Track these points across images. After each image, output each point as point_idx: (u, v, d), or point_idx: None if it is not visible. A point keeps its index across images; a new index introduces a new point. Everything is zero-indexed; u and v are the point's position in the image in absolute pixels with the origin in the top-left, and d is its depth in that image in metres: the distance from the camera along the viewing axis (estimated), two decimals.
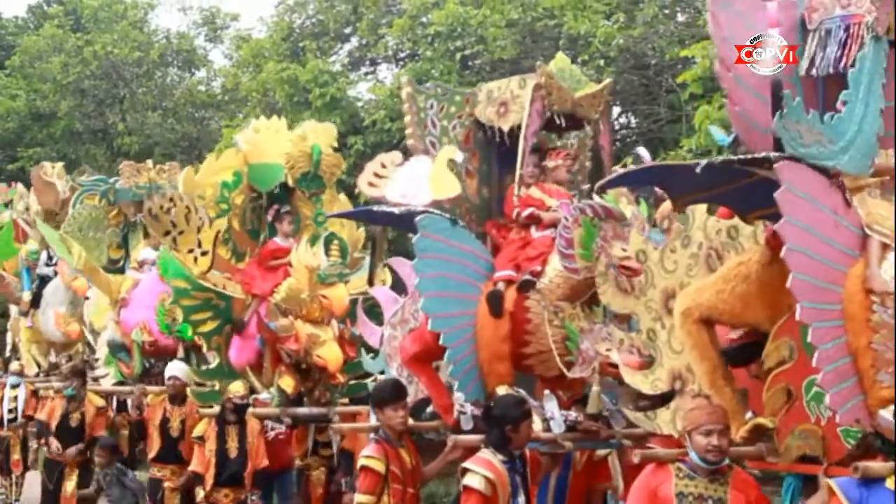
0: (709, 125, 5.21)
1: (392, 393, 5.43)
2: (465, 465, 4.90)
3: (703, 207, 4.48)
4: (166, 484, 8.11)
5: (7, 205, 12.31)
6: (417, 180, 5.47)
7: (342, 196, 8.31)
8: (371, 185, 5.61)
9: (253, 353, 7.57)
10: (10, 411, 10.67)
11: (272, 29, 16.19)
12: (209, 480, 7.42)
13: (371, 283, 6.91)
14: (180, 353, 8.50)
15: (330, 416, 7.33)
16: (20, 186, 12.37)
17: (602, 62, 11.51)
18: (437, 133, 5.83)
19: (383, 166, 5.65)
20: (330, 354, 7.01)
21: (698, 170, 3.66)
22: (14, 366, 11.02)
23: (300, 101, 14.09)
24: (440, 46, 13.14)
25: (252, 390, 7.57)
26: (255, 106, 15.41)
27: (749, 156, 3.70)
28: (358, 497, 5.27)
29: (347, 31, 15.58)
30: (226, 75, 17.97)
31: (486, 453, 4.89)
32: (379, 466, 5.26)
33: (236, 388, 7.48)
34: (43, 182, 11.03)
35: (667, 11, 12.47)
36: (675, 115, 11.87)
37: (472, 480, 4.80)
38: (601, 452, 5.67)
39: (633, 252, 4.59)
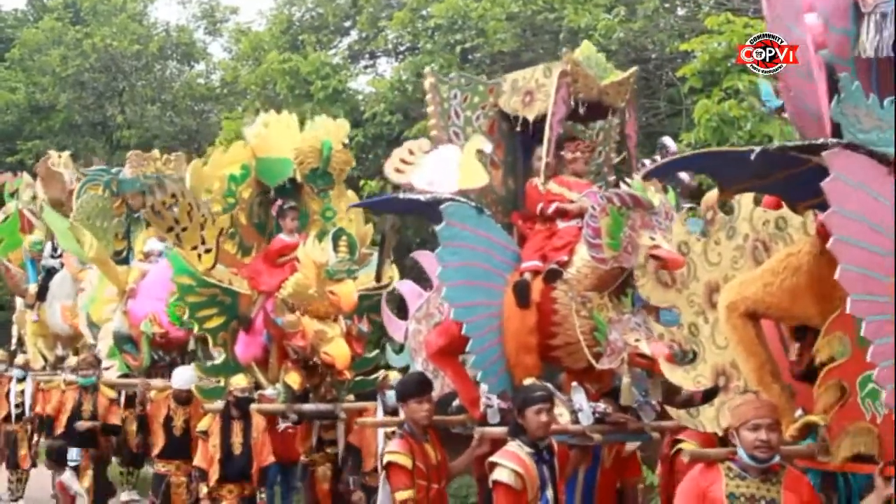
0: (760, 84, 4.97)
1: (417, 387, 5.23)
2: (493, 459, 4.73)
3: (749, 197, 4.24)
4: (171, 479, 7.87)
5: (13, 195, 11.93)
6: (445, 168, 5.23)
7: (350, 192, 8.06)
8: (398, 171, 5.37)
9: (259, 349, 7.31)
10: (17, 406, 10.33)
11: (271, 22, 15.93)
12: (213, 476, 7.16)
13: (379, 278, 6.73)
14: (191, 345, 8.24)
15: (336, 412, 7.14)
16: (26, 176, 11.97)
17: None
18: (461, 123, 5.59)
19: (411, 153, 5.42)
20: (337, 351, 6.77)
21: (752, 157, 3.42)
22: (19, 359, 10.65)
23: (301, 94, 13.87)
24: (440, 39, 12.95)
25: (258, 386, 7.32)
26: (254, 99, 15.17)
27: (805, 142, 3.47)
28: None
29: (347, 24, 15.33)
30: (225, 68, 17.73)
31: (512, 446, 4.72)
32: (405, 461, 5.07)
33: (237, 381, 7.25)
34: (50, 172, 10.68)
35: (667, 5, 12.31)
36: (674, 110, 11.69)
37: (500, 475, 4.64)
38: (629, 447, 5.45)
39: (676, 243, 4.36)
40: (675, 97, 11.44)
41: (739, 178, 3.82)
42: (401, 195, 5.37)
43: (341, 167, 7.45)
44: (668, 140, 5.51)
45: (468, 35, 12.75)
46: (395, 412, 7.16)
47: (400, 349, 6.29)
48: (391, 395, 7.07)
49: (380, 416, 7.11)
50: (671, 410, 4.40)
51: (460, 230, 5.06)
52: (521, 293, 5.12)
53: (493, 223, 5.31)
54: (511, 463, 4.61)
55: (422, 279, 7.22)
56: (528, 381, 5.06)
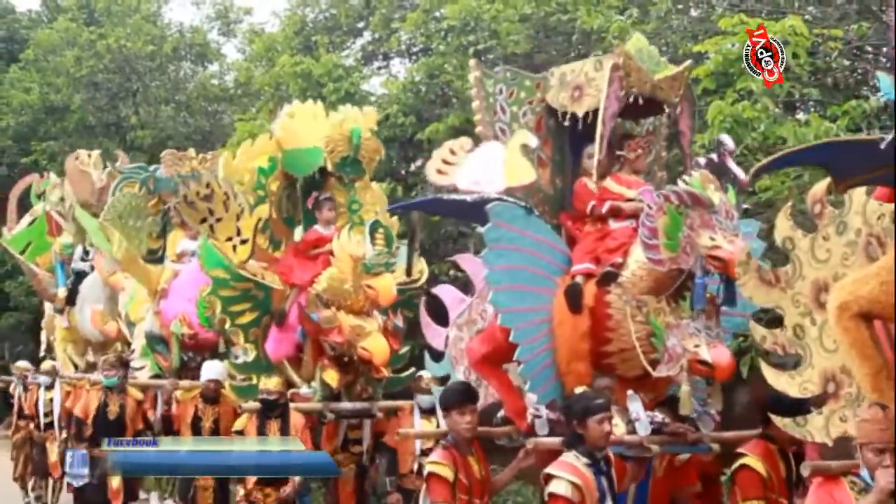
0: (879, 75, 4.53)
1: (459, 396, 4.76)
2: (549, 470, 4.30)
3: (861, 190, 3.78)
4: (199, 482, 7.38)
5: (40, 196, 11.33)
6: (490, 166, 4.77)
7: (375, 185, 7.61)
8: (440, 172, 4.90)
9: (291, 346, 6.87)
10: (46, 414, 9.74)
11: (285, 23, 15.56)
12: (250, 479, 6.66)
13: (409, 273, 6.31)
14: (221, 346, 7.78)
15: (372, 410, 6.71)
16: (53, 176, 11.31)
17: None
18: (507, 119, 5.11)
19: (452, 153, 4.95)
20: (376, 347, 6.36)
21: (883, 146, 3.00)
22: (45, 365, 10.02)
23: (313, 96, 13.45)
24: (453, 41, 12.62)
25: (290, 384, 6.86)
26: (267, 100, 14.78)
27: None
28: None
29: (360, 25, 14.95)
30: (238, 69, 17.35)
31: (569, 457, 4.30)
32: (447, 474, 4.61)
33: (265, 383, 6.78)
34: (78, 171, 10.12)
35: (680, 6, 11.91)
36: None
37: (557, 487, 4.22)
38: (684, 455, 5.00)
39: (780, 239, 3.90)
40: None
41: (858, 170, 3.38)
42: (445, 196, 4.91)
43: (371, 155, 7.04)
44: (725, 138, 5.06)
45: (481, 36, 12.44)
46: (430, 413, 6.75)
47: (439, 357, 5.84)
48: (426, 399, 6.64)
49: (416, 418, 6.69)
50: (777, 419, 3.94)
51: (507, 231, 4.62)
52: (574, 297, 4.68)
53: (542, 224, 4.86)
54: (568, 474, 4.21)
55: (440, 282, 6.80)
56: (579, 390, 4.64)
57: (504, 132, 5.07)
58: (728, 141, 4.90)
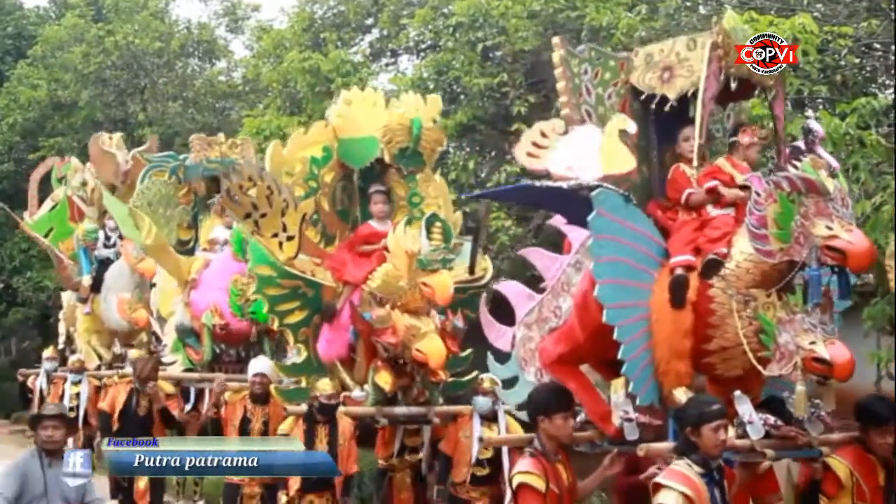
0: None
1: (561, 399, 4.13)
2: (659, 479, 3.73)
3: None
4: (245, 490, 6.66)
5: (61, 180, 10.42)
6: (586, 151, 4.12)
7: (437, 176, 6.85)
8: (531, 155, 4.24)
9: (344, 346, 6.15)
10: (71, 409, 8.94)
11: (293, 19, 14.78)
12: (293, 486, 5.95)
13: (472, 270, 5.62)
14: (253, 336, 7.02)
15: (429, 416, 6.00)
16: (75, 160, 10.38)
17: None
18: (593, 101, 4.47)
19: (544, 135, 4.28)
20: (431, 349, 5.64)
21: None
22: (73, 360, 9.13)
23: (322, 92, 12.84)
24: (462, 37, 11.98)
25: (343, 387, 6.14)
26: (275, 96, 14.06)
27: None
28: None
29: (368, 21, 14.25)
30: (246, 65, 16.53)
31: (680, 466, 3.73)
32: (540, 484, 3.99)
33: (324, 385, 6.04)
34: (102, 153, 9.23)
35: (689, 4, 11.36)
36: None
37: (667, 498, 3.66)
38: (766, 462, 4.42)
39: None
40: None
41: None
42: (536, 183, 4.24)
43: (433, 146, 6.28)
44: (814, 124, 4.52)
45: (489, 33, 11.81)
46: (491, 420, 6.08)
47: (505, 358, 5.16)
48: (483, 402, 5.95)
49: (476, 424, 5.99)
50: None
51: (611, 221, 4.00)
52: (678, 291, 4.04)
53: (639, 213, 4.22)
54: (680, 485, 3.64)
55: None
56: (678, 392, 4.04)
57: (590, 115, 4.42)
58: (817, 127, 4.36)
